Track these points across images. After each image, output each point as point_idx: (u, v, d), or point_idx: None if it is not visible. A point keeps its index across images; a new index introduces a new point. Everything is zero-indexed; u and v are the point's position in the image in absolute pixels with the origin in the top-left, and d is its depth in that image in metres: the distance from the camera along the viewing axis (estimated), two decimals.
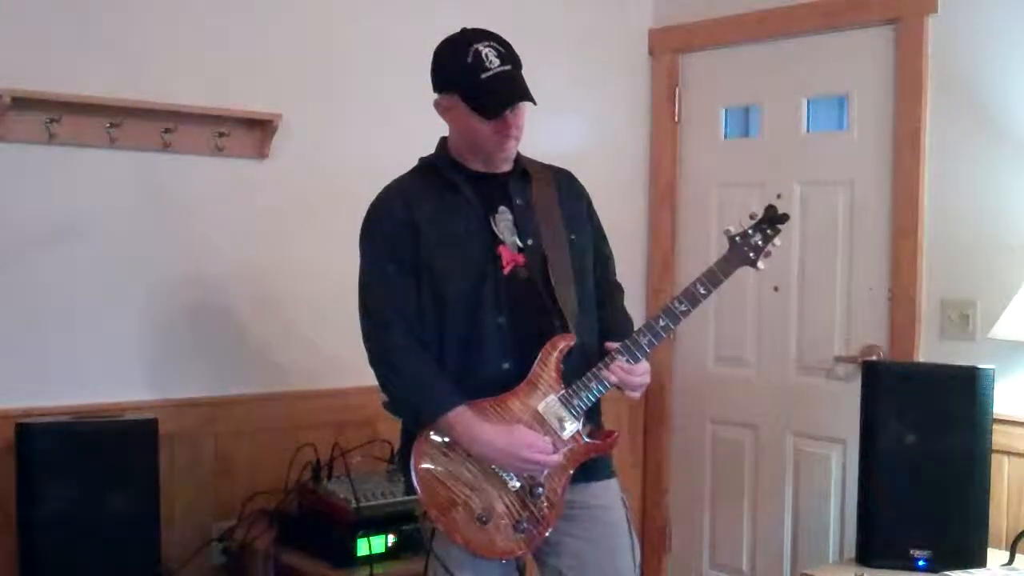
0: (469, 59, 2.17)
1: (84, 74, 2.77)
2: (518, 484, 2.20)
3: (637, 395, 2.31)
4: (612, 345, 2.26)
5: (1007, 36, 3.08)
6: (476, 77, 2.17)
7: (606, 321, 2.40)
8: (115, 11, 2.84)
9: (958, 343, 3.16)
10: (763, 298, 3.69)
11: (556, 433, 2.21)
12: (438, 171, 2.30)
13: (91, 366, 2.83)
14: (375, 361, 2.25)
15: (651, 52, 4.02)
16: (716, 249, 3.77)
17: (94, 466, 2.54)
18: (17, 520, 2.54)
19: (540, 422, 2.21)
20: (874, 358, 3.35)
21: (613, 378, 2.22)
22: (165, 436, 2.70)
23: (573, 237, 2.34)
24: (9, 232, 2.73)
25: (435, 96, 2.27)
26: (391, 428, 2.45)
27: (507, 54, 2.21)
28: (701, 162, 3.94)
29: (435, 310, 2.23)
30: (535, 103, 2.19)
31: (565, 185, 2.42)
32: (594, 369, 2.24)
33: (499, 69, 2.18)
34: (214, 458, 3.03)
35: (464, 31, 2.25)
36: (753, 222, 2.33)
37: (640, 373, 2.26)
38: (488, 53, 2.18)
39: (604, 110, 3.91)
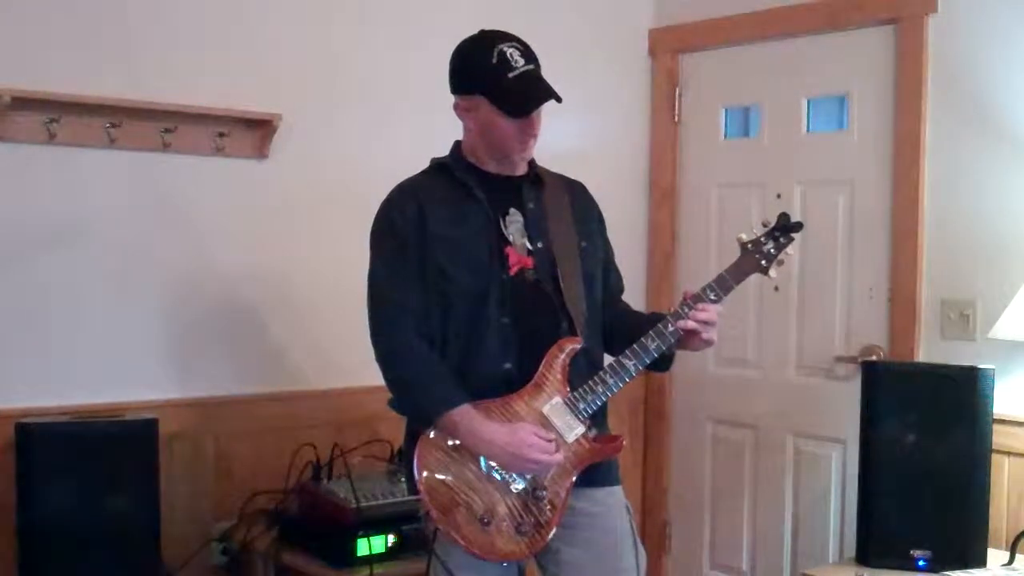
0: (495, 59, 2.18)
1: (84, 74, 2.77)
2: (521, 486, 2.19)
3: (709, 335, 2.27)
4: (692, 292, 2.27)
5: (1007, 36, 3.08)
6: (503, 77, 2.18)
7: (622, 311, 2.43)
8: (115, 11, 2.84)
9: (958, 343, 3.16)
10: (763, 298, 3.69)
11: (560, 436, 2.20)
12: (450, 172, 2.30)
13: (91, 366, 2.83)
14: (381, 358, 2.24)
15: (651, 52, 4.02)
16: (716, 249, 3.81)
17: (94, 466, 2.54)
18: (17, 520, 2.54)
19: (544, 424, 2.20)
20: (874, 358, 3.35)
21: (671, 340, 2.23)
22: (165, 436, 2.70)
23: (584, 244, 2.35)
24: (9, 232, 2.73)
25: (455, 98, 2.28)
26: (391, 428, 2.45)
27: (529, 53, 2.23)
28: (701, 162, 3.94)
29: (440, 308, 2.23)
30: (560, 101, 2.19)
31: (578, 195, 2.43)
32: (601, 372, 2.24)
33: (524, 68, 2.20)
34: (214, 458, 3.03)
35: (484, 32, 2.26)
36: (766, 229, 2.33)
37: (709, 317, 2.25)
38: (513, 53, 2.20)
39: (604, 110, 3.91)
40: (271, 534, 2.88)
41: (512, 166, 2.31)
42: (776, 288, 3.63)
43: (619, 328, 2.38)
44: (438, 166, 2.34)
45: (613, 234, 2.51)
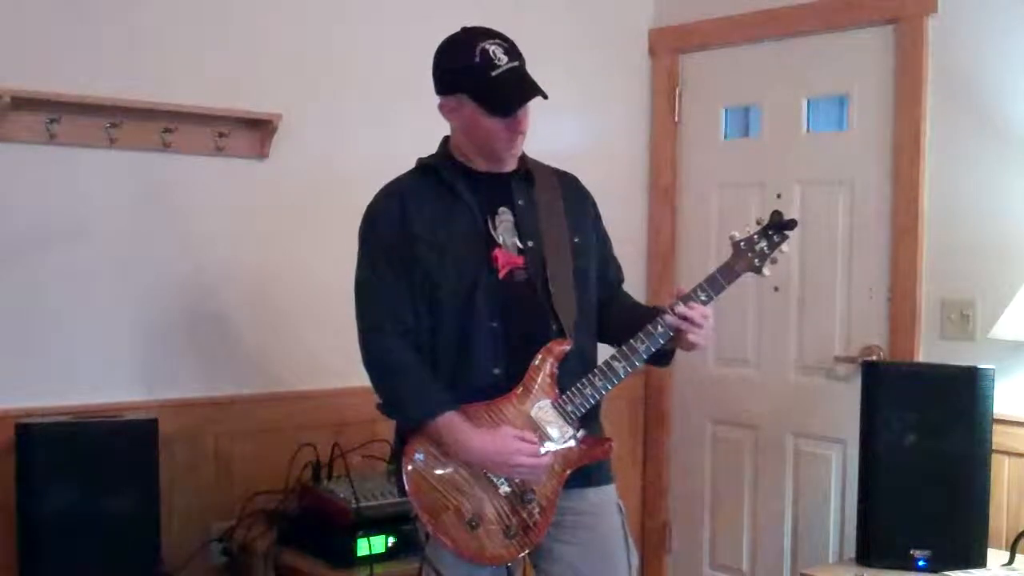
0: (477, 58, 2.14)
1: (84, 74, 2.77)
2: (509, 489, 2.17)
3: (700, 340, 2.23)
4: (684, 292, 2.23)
5: (1007, 36, 3.08)
6: (487, 75, 2.14)
7: (622, 304, 2.40)
8: (115, 11, 2.84)
9: (958, 343, 3.16)
10: (763, 298, 3.69)
11: (549, 438, 2.18)
12: (436, 172, 2.27)
13: (91, 366, 2.83)
14: (368, 363, 2.23)
15: (651, 52, 4.02)
16: (716, 249, 3.80)
17: (94, 466, 2.54)
18: (17, 520, 2.54)
19: (532, 427, 2.18)
20: (874, 358, 3.35)
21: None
22: (165, 436, 2.70)
23: (576, 240, 2.31)
24: (9, 232, 2.73)
25: (439, 98, 2.24)
26: (391, 428, 2.44)
27: (513, 50, 2.19)
28: (701, 162, 3.94)
29: (428, 313, 2.21)
30: (547, 97, 2.17)
31: (570, 188, 2.39)
32: (589, 375, 2.22)
33: (509, 65, 2.16)
34: (214, 458, 3.02)
35: (466, 30, 2.23)
36: (759, 228, 2.30)
37: (705, 318, 2.21)
38: (495, 50, 2.15)
39: (604, 110, 3.91)
40: (271, 534, 2.89)
41: (501, 163, 2.28)
42: (776, 288, 3.63)
43: (619, 323, 2.33)
44: (424, 166, 2.31)
45: (612, 234, 2.50)
